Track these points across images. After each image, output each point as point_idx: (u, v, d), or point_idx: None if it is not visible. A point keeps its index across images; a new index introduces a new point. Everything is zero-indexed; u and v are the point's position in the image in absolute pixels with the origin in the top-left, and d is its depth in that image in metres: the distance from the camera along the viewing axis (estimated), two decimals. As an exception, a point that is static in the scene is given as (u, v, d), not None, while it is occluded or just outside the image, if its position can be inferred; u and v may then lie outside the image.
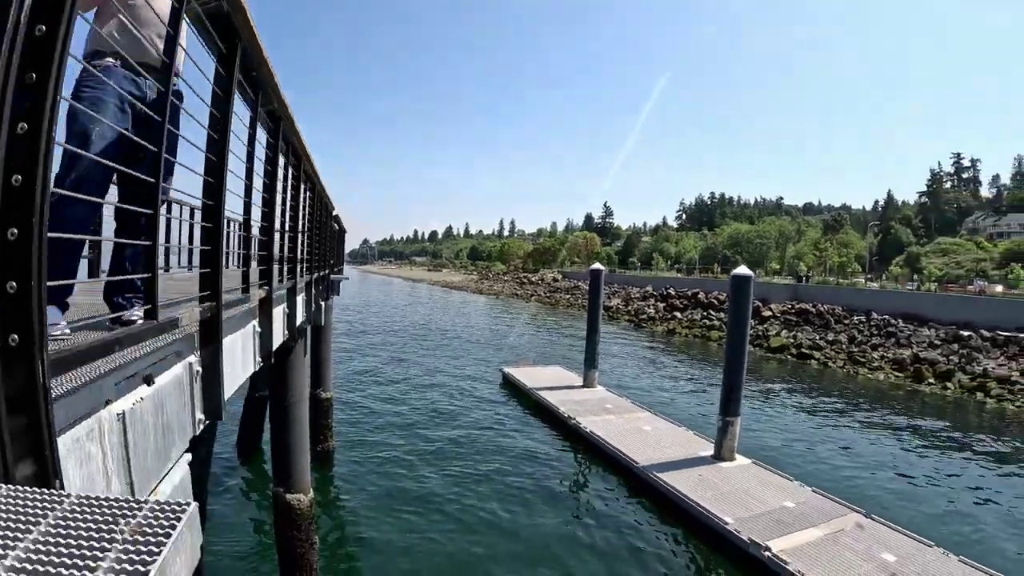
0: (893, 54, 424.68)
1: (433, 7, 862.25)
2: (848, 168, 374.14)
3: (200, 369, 2.84)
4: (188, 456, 2.52)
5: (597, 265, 25.92)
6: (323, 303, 11.37)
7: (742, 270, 15.75)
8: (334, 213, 12.80)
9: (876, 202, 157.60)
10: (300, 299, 7.26)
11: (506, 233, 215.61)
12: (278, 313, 5.18)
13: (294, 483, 10.82)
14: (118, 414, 1.95)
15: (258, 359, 4.30)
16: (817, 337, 41.09)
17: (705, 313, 54.26)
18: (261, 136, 4.44)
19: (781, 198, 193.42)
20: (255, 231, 4.35)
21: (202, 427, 2.85)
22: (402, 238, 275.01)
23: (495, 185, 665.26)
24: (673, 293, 64.85)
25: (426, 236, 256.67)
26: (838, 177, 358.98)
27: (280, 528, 10.82)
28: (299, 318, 6.78)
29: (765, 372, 32.95)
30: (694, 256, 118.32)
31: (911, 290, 56.32)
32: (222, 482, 16.55)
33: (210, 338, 3.01)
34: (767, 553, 10.54)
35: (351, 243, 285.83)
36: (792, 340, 40.75)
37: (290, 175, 5.99)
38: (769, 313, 48.28)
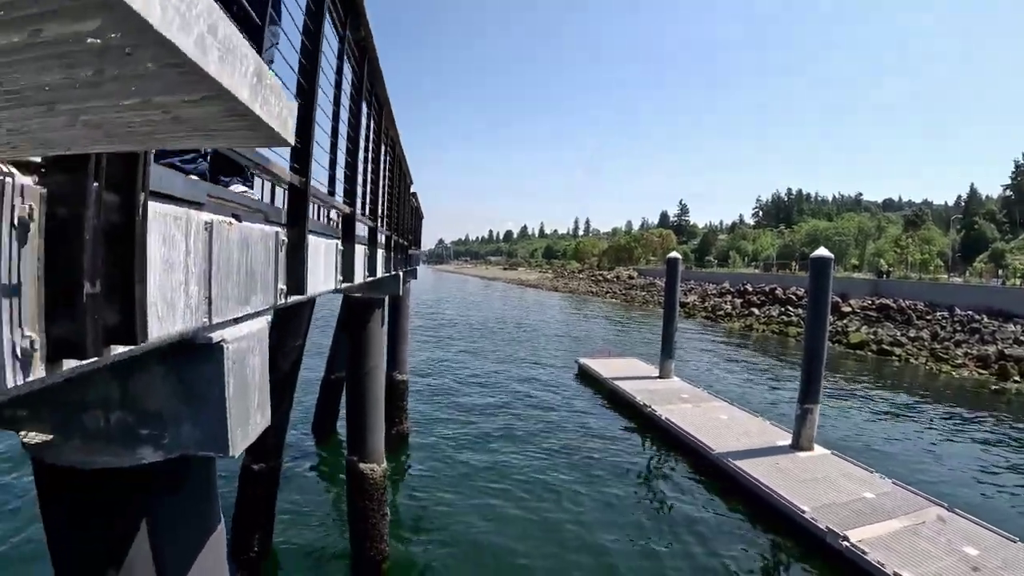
0: (972, 43, 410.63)
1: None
2: (929, 162, 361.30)
3: (285, 240, 2.84)
4: (269, 317, 2.51)
5: (674, 254, 25.52)
6: (401, 274, 11.40)
7: (822, 251, 15.20)
8: (412, 189, 12.85)
9: (959, 197, 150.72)
10: (380, 253, 7.28)
11: (581, 232, 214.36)
12: (360, 250, 5.18)
13: (368, 452, 10.86)
14: (206, 223, 1.93)
15: (339, 277, 4.30)
16: (898, 333, 39.59)
17: (783, 309, 52.81)
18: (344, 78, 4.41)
19: (860, 194, 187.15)
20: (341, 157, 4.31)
21: (283, 299, 2.84)
22: (477, 238, 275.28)
23: (570, 185, 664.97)
24: (750, 289, 63.35)
25: (501, 236, 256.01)
26: (918, 172, 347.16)
27: (353, 497, 10.85)
28: (379, 269, 6.79)
29: (844, 368, 31.86)
30: (771, 254, 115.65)
31: (996, 285, 53.91)
32: (297, 457, 16.98)
33: (297, 216, 3.01)
34: (845, 543, 10.17)
35: (426, 243, 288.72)
36: (872, 336, 39.33)
37: (372, 126, 5.95)
38: (848, 309, 46.79)
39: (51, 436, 2.20)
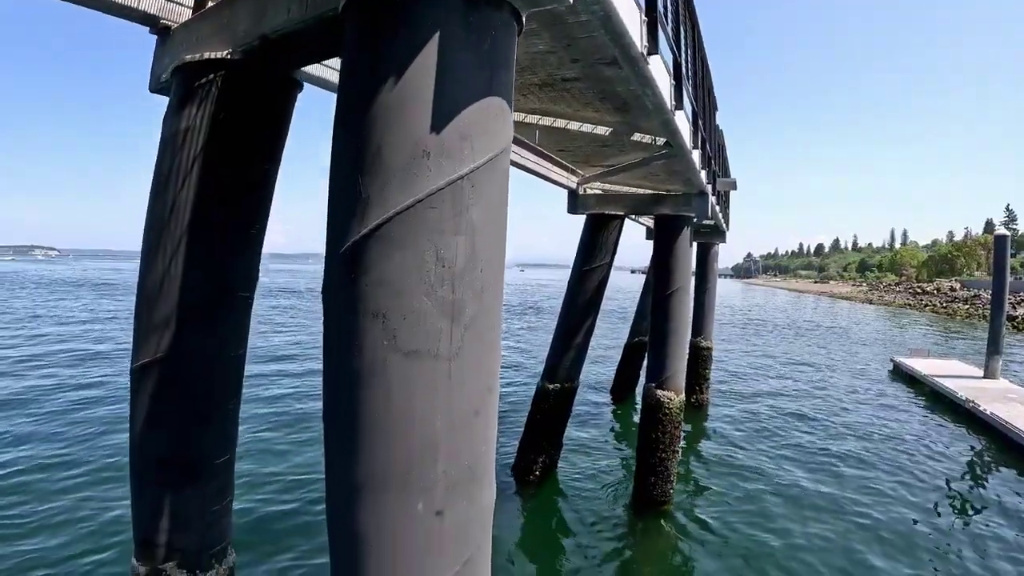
0: None
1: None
2: None
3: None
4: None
5: (1002, 230, 22.98)
6: (712, 200, 11.05)
7: None
8: (718, 125, 12.42)
9: None
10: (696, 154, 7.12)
11: (897, 244, 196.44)
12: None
13: (667, 380, 10.57)
14: None
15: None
16: None
17: None
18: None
19: None
20: None
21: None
22: (786, 252, 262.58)
23: (885, 196, 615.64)
24: (1092, 297, 53.81)
25: (811, 250, 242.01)
26: None
27: (645, 426, 10.65)
28: (687, 125, 6.57)
29: None
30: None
31: None
32: (593, 401, 18.00)
33: None
34: None
35: (734, 257, 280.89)
36: None
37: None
38: None
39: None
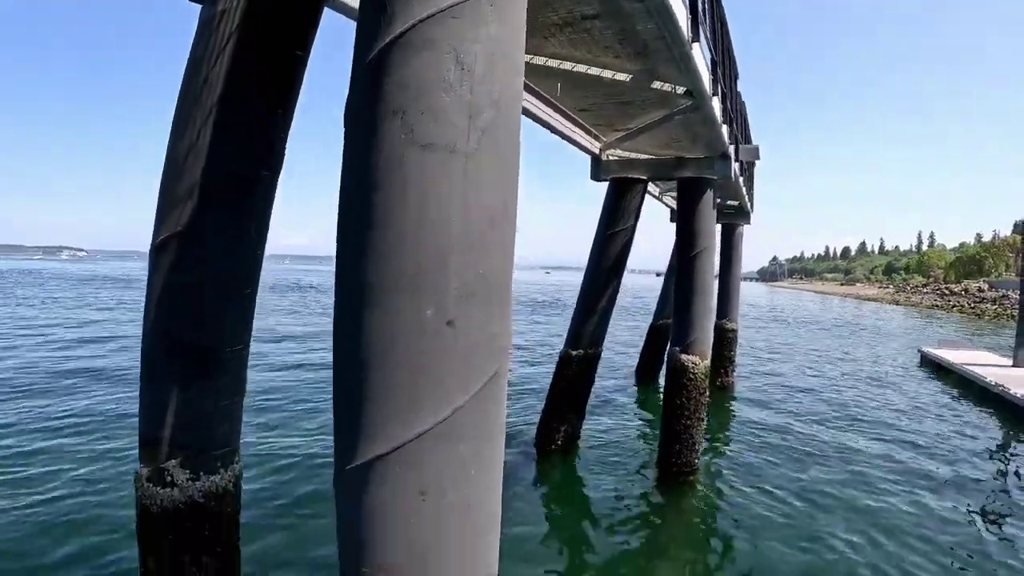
0: None
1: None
2: None
3: None
4: None
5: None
6: (735, 166, 11.05)
7: None
8: (740, 93, 12.44)
9: None
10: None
11: (924, 247, 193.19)
12: None
13: (692, 344, 10.44)
14: None
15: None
16: None
17: None
18: None
19: None
20: None
21: None
22: (812, 255, 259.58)
23: (913, 198, 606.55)
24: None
25: (838, 253, 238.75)
26: None
27: (670, 393, 10.53)
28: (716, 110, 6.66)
29: None
30: None
31: None
32: (617, 379, 18.16)
33: None
34: None
35: (759, 260, 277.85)
36: None
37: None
38: None
39: None
